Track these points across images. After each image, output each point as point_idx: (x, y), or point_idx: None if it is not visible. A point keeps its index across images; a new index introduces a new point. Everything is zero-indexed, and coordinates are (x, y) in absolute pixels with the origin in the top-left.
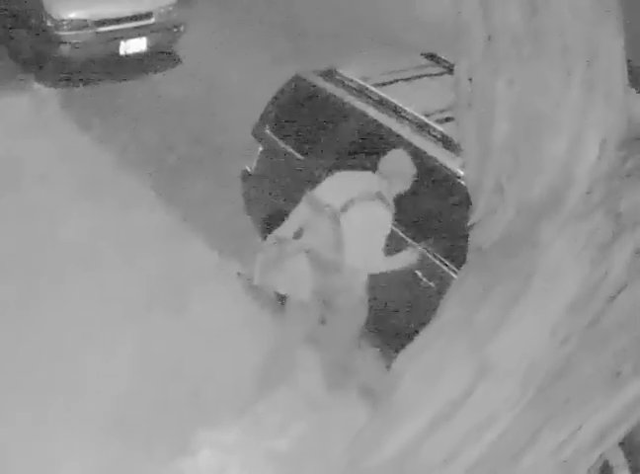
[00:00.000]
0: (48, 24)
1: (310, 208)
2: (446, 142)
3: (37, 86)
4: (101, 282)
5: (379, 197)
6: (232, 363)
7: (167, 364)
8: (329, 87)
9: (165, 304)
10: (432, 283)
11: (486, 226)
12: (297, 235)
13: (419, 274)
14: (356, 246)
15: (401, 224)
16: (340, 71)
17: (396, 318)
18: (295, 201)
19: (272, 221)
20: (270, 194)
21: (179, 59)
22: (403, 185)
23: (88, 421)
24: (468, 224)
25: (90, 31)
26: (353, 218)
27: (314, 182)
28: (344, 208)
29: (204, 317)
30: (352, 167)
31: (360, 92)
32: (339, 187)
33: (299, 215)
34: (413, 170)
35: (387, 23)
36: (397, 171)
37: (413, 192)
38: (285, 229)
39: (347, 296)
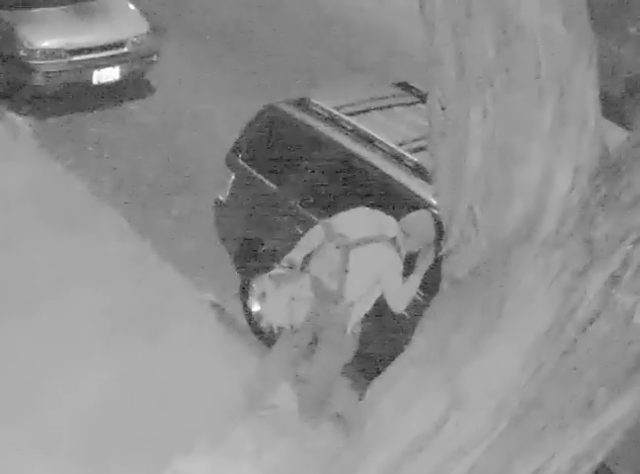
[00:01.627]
0: (22, 53)
1: (324, 234)
2: (420, 171)
3: (9, 115)
4: (71, 312)
5: (394, 244)
6: (204, 393)
7: (138, 394)
8: (302, 116)
9: (136, 334)
10: (405, 312)
11: (459, 255)
12: (306, 261)
13: None
14: (358, 282)
15: None
16: (313, 100)
17: (369, 347)
18: (269, 231)
19: (245, 251)
20: (243, 223)
21: (152, 88)
22: (417, 245)
23: (56, 449)
24: (441, 253)
25: (63, 60)
26: (363, 255)
27: (288, 211)
28: (357, 243)
29: (176, 347)
30: (371, 205)
31: (334, 121)
32: (358, 221)
33: (311, 240)
34: (432, 235)
35: (366, 53)
36: (418, 230)
37: None
38: (297, 253)
39: (337, 330)
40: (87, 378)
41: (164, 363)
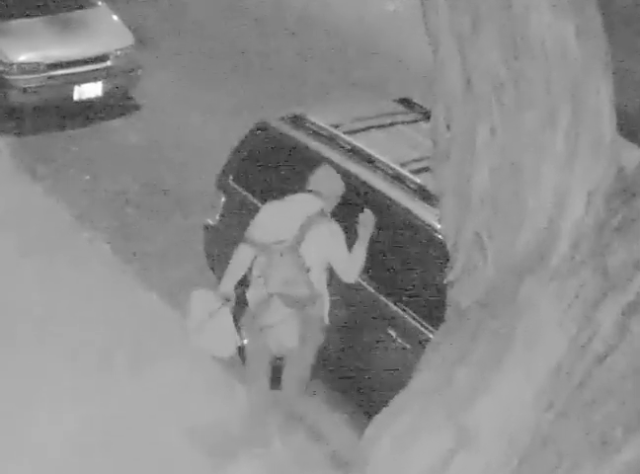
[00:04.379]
0: None
1: (256, 253)
2: (423, 194)
3: None
4: (48, 346)
5: (324, 214)
6: (189, 427)
7: (120, 428)
8: (297, 135)
9: (119, 369)
10: (407, 344)
11: (465, 284)
12: (243, 284)
13: (393, 333)
14: (319, 272)
15: (373, 281)
16: (308, 117)
17: (368, 381)
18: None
19: None
20: (234, 248)
21: (137, 105)
22: (334, 201)
23: None
24: (446, 281)
25: (42, 74)
26: (312, 245)
27: None
28: (299, 238)
29: (162, 383)
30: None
31: (331, 140)
32: (279, 219)
33: (241, 265)
34: (342, 185)
35: (366, 66)
36: (328, 187)
37: (387, 246)
38: (228, 283)
39: (315, 325)
40: (65, 409)
41: (149, 401)
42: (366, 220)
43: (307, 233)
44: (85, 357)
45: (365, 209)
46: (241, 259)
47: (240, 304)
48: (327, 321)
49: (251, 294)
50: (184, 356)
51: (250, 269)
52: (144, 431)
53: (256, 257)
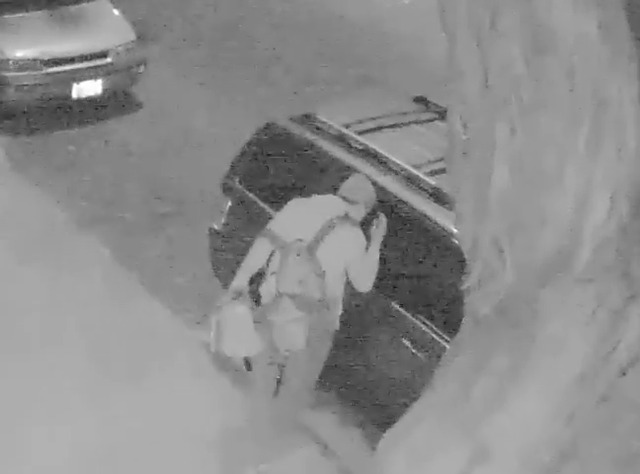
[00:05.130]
0: None
1: (273, 248)
2: (439, 197)
3: None
4: (50, 350)
5: (348, 218)
6: (193, 441)
7: (120, 437)
8: (306, 135)
9: (121, 375)
10: (421, 354)
11: (483, 291)
12: (257, 280)
13: (407, 343)
14: (335, 278)
15: (387, 289)
16: (318, 117)
17: (381, 393)
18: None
19: None
20: (240, 254)
21: (138, 104)
22: (364, 210)
23: None
24: (463, 289)
25: (39, 71)
26: (330, 248)
27: None
28: (318, 240)
29: (165, 392)
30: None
31: (342, 140)
32: (302, 217)
33: (257, 259)
34: (374, 194)
35: (378, 62)
36: (360, 195)
37: (400, 252)
38: (242, 278)
39: (323, 331)
40: (65, 422)
41: (150, 409)
42: (379, 226)
43: (327, 236)
44: (85, 366)
45: (379, 214)
46: (258, 253)
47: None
48: (337, 328)
49: (264, 291)
50: (187, 365)
51: (267, 264)
52: (145, 440)
53: (273, 252)
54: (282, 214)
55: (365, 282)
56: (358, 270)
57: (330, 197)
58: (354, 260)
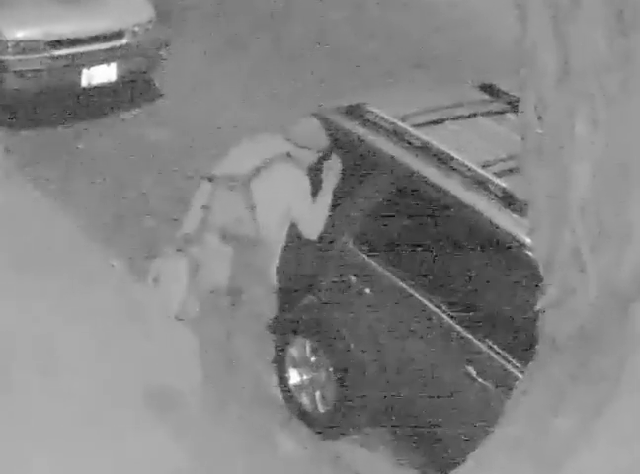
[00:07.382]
0: None
1: (213, 186)
2: (509, 201)
3: None
4: (54, 377)
5: (291, 158)
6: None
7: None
8: (355, 128)
9: (140, 410)
10: (489, 384)
11: (561, 311)
12: (203, 222)
13: (472, 371)
14: (270, 216)
15: (448, 308)
16: (369, 108)
17: (442, 430)
18: (311, 279)
19: (280, 305)
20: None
21: (158, 92)
22: (314, 155)
23: None
24: (538, 308)
25: (43, 55)
26: (266, 182)
27: (336, 252)
28: (254, 173)
29: (188, 430)
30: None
31: (396, 135)
32: (244, 154)
33: (199, 199)
34: (326, 141)
35: (438, 44)
36: (309, 138)
37: (464, 265)
38: (188, 223)
39: (260, 282)
40: (69, 455)
41: (172, 449)
42: (332, 169)
43: (264, 170)
44: (94, 393)
45: (332, 155)
46: (198, 196)
47: None
48: (275, 275)
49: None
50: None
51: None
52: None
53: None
54: (229, 155)
55: (313, 229)
56: (303, 214)
57: (274, 135)
58: (297, 203)
